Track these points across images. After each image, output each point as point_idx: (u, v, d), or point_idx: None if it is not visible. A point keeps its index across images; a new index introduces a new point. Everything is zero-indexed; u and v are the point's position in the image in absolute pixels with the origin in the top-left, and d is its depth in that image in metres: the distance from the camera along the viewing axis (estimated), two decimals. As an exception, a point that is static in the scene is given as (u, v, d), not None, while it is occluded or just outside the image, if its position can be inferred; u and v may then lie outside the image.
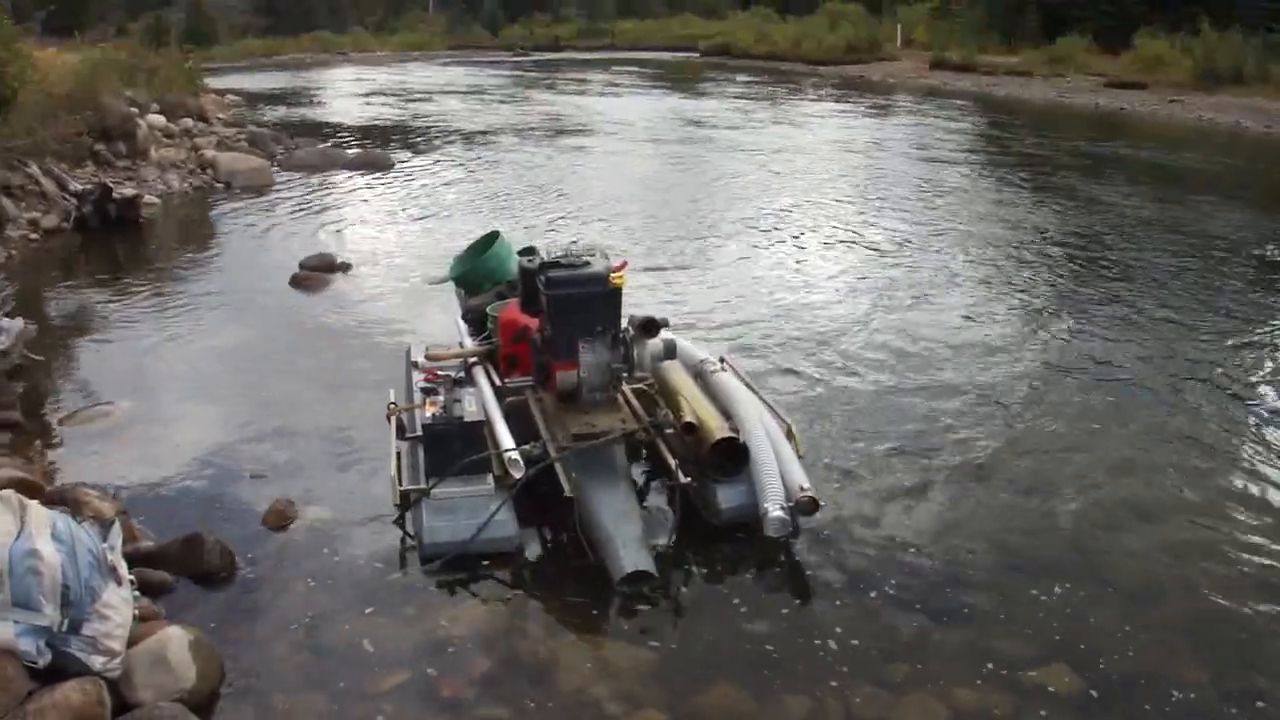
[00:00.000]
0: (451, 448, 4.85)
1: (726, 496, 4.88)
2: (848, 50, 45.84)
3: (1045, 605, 4.38)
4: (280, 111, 26.11)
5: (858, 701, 3.75)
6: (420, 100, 30.27)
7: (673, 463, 4.85)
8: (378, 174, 16.08)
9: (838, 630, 4.18)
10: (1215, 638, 4.20)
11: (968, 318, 8.50)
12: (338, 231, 11.97)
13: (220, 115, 20.88)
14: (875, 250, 10.98)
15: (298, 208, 13.43)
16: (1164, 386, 6.99)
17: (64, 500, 4.55)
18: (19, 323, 6.91)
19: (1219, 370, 7.29)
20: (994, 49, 40.88)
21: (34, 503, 3.74)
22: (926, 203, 13.97)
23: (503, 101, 30.00)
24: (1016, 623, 4.25)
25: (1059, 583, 4.55)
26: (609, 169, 17.13)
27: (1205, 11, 32.49)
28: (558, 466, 4.80)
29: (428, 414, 5.03)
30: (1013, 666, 3.95)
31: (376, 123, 24.10)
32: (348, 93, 33.91)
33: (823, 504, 4.74)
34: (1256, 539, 4.97)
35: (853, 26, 48.80)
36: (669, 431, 5.12)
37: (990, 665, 3.96)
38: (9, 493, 3.72)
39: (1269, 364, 7.47)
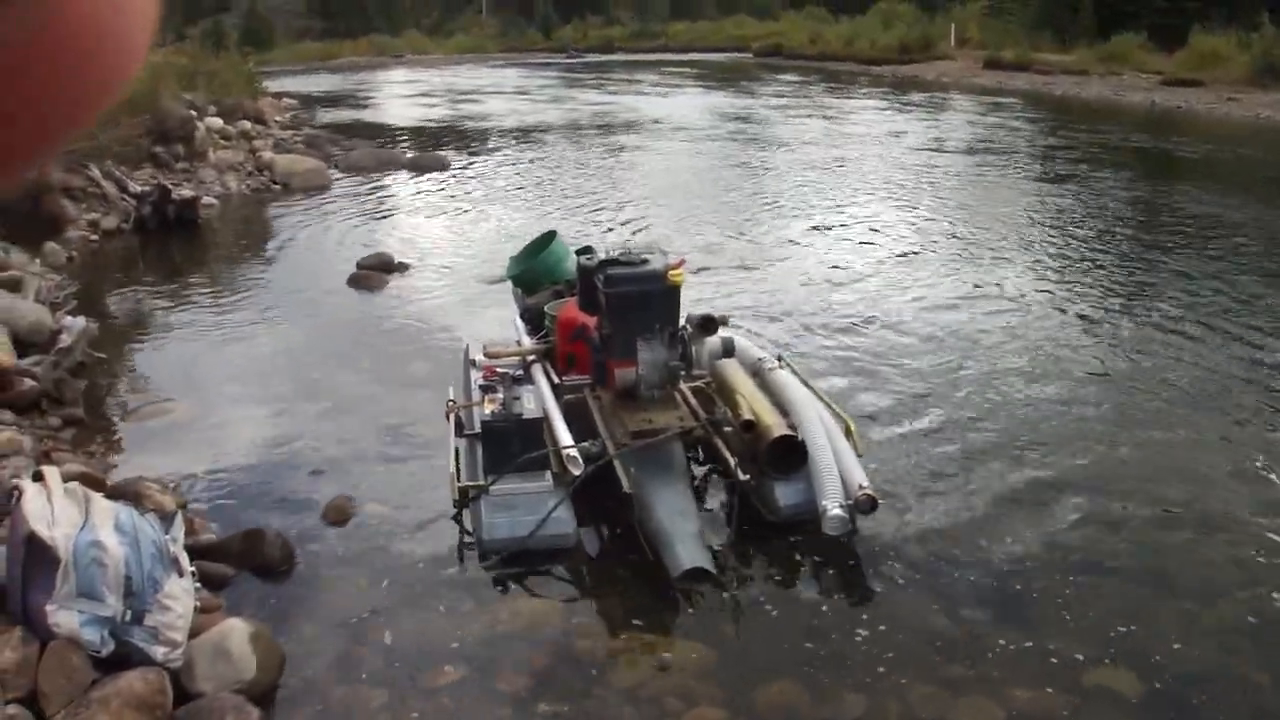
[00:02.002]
0: (510, 444, 4.85)
1: (785, 494, 4.85)
2: (901, 50, 45.57)
3: (1105, 606, 4.31)
4: (336, 114, 26.31)
5: (915, 700, 3.71)
6: (474, 102, 30.41)
7: (731, 460, 4.84)
8: (433, 175, 16.14)
9: (896, 629, 4.14)
10: (1278, 640, 4.12)
11: (1026, 316, 8.39)
12: (394, 232, 12.02)
13: (277, 118, 21.06)
14: (931, 248, 10.88)
15: (354, 208, 13.52)
16: (1228, 390, 6.85)
17: (126, 494, 4.60)
18: (81, 321, 7.00)
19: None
20: (1048, 47, 40.47)
21: (98, 495, 3.79)
22: (982, 201, 13.82)
23: (555, 103, 30.07)
24: (1076, 623, 4.18)
25: (1119, 583, 4.49)
26: (662, 168, 17.10)
27: (1265, 7, 32.00)
28: (616, 463, 4.79)
29: (487, 411, 5.04)
30: (1071, 667, 3.89)
31: (431, 124, 24.24)
32: (403, 95, 34.13)
33: (881, 502, 4.70)
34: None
35: (906, 26, 48.56)
36: (727, 429, 5.11)
37: (1049, 665, 3.90)
38: (74, 485, 3.78)
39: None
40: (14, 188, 0.40)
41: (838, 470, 4.70)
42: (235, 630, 3.69)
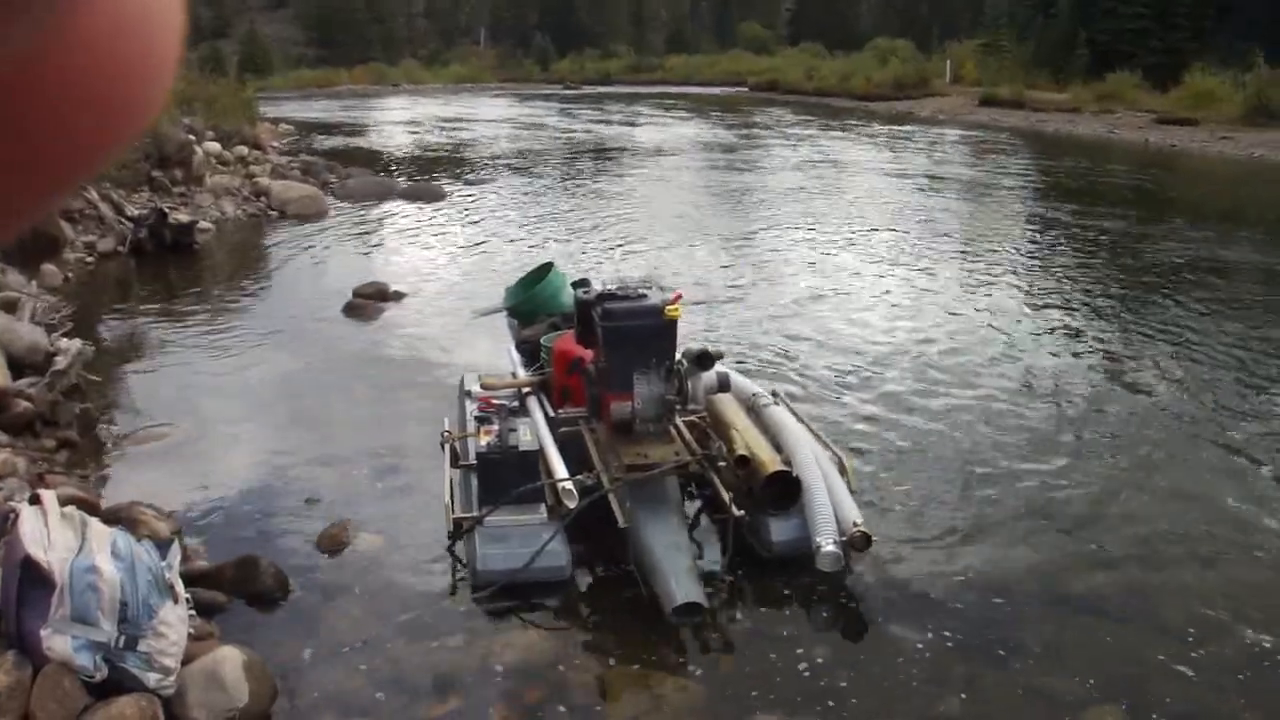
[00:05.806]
0: (505, 476, 4.84)
1: (779, 530, 4.85)
2: (896, 86, 45.94)
3: (1097, 644, 4.32)
4: (333, 141, 26.39)
5: (909, 739, 3.72)
6: (471, 131, 30.52)
7: (725, 495, 4.84)
8: (430, 204, 16.19)
9: (888, 666, 4.15)
10: (1269, 679, 4.13)
11: (1020, 351, 8.43)
12: (391, 260, 12.06)
13: (275, 144, 21.13)
14: (924, 282, 10.92)
15: (351, 236, 13.56)
16: (1221, 425, 6.88)
17: (121, 519, 4.59)
18: (76, 343, 6.99)
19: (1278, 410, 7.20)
20: (1043, 85, 40.85)
21: (95, 520, 3.79)
22: (971, 235, 13.91)
23: (552, 134, 30.19)
24: (1068, 661, 4.19)
25: (1111, 621, 4.50)
26: (656, 200, 17.15)
27: (1260, 47, 32.28)
28: (611, 497, 4.79)
29: (482, 442, 5.03)
30: (1064, 706, 3.90)
31: (428, 153, 24.32)
32: (400, 122, 34.25)
33: (875, 539, 4.71)
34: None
35: (901, 62, 48.91)
36: (722, 464, 5.11)
37: (1041, 704, 3.92)
38: (71, 509, 3.78)
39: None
40: (13, 237, 0.32)
41: (832, 506, 4.71)
42: (228, 658, 3.69)
